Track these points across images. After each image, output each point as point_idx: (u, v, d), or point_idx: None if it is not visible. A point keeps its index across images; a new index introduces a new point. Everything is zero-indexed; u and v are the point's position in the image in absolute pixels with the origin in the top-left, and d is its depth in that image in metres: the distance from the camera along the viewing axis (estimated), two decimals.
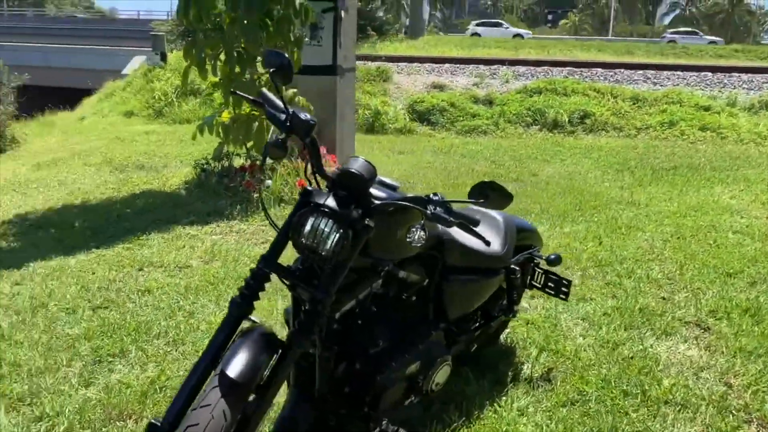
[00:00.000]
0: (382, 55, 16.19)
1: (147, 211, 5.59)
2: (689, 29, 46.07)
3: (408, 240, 1.98)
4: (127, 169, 7.57)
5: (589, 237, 5.11)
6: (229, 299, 1.92)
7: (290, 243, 1.94)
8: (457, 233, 2.45)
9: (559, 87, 12.99)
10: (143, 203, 5.85)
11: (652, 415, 2.64)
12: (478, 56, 17.61)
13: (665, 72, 14.35)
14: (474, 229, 2.03)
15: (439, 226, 2.31)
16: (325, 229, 1.85)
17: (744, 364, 3.08)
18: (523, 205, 6.22)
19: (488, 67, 15.03)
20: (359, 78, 13.77)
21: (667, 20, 67.46)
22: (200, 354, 1.84)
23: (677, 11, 66.55)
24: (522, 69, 14.78)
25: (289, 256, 1.97)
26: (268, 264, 1.92)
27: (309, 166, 1.97)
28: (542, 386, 2.83)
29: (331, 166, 6.49)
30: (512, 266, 2.80)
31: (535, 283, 3.13)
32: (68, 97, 16.15)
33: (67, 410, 2.51)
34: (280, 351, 1.89)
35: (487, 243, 2.14)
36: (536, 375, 2.94)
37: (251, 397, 1.85)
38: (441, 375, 2.42)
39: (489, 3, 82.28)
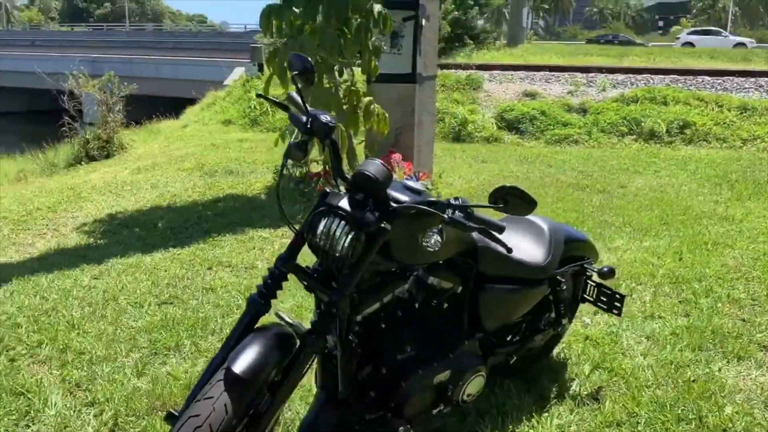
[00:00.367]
0: (473, 63, 16.05)
1: (226, 213, 5.82)
2: None
3: (424, 244, 1.95)
4: (217, 174, 7.91)
5: (670, 252, 4.83)
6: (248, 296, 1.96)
7: None
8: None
9: (658, 95, 12.40)
10: (224, 206, 6.09)
11: None
12: (574, 64, 17.11)
13: None
14: (497, 236, 1.97)
15: (474, 234, 2.27)
16: (338, 231, 1.86)
17: None
18: (605, 217, 5.99)
19: (585, 75, 14.58)
20: (448, 86, 13.76)
21: None
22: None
23: None
24: (621, 77, 14.23)
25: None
26: (285, 264, 1.95)
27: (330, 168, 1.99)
28: (589, 405, 2.70)
29: (407, 173, 6.52)
30: (558, 277, 2.69)
31: (587, 297, 2.99)
32: (175, 106, 17.11)
33: (116, 398, 2.65)
34: (295, 351, 1.91)
35: (509, 250, 2.06)
36: (584, 393, 2.80)
37: (265, 395, 1.89)
38: (473, 386, 2.36)
39: (595, 10, 79.90)
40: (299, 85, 1.97)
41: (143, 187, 7.10)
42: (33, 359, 3.01)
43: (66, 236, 5.16)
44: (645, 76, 14.22)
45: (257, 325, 1.94)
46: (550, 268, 2.60)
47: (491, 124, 12.08)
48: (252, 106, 13.77)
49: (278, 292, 1.97)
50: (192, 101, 16.86)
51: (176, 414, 1.81)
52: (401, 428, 2.11)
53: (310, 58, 1.95)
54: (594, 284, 2.96)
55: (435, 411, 2.32)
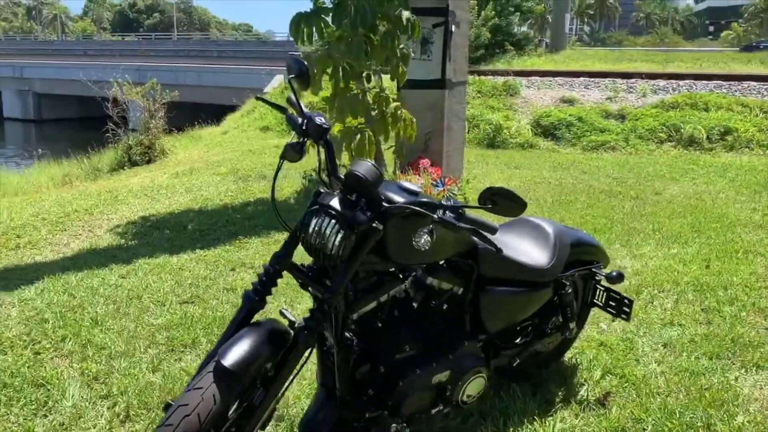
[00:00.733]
0: (510, 69, 15.96)
1: (254, 217, 5.93)
2: None
3: (414, 243, 1.98)
4: (250, 178, 8.06)
5: (697, 260, 4.73)
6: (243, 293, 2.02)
7: None
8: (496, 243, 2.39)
9: (699, 101, 12.13)
10: (253, 210, 6.21)
11: None
12: (615, 70, 16.83)
13: None
14: (488, 236, 1.99)
15: (475, 237, 2.29)
16: (328, 230, 1.90)
17: None
18: (635, 223, 5.90)
19: (625, 80, 14.36)
20: (484, 93, 13.73)
21: None
22: None
23: None
24: (662, 83, 13.96)
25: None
26: (279, 261, 2.01)
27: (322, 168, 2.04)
28: (595, 410, 2.68)
29: (434, 179, 6.53)
30: (563, 281, 2.68)
31: (597, 302, 2.97)
32: (217, 114, 17.49)
33: (130, 391, 2.75)
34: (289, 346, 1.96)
35: (499, 250, 2.08)
36: (592, 398, 2.78)
37: (259, 389, 1.95)
38: (473, 387, 2.37)
39: (641, 15, 78.45)
40: (295, 88, 2.03)
41: (178, 191, 7.29)
42: (56, 353, 3.14)
43: (99, 237, 5.34)
44: (688, 81, 13.92)
45: (252, 320, 2.00)
46: (553, 271, 2.59)
47: (527, 130, 12.00)
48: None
49: (273, 290, 2.03)
50: (233, 108, 17.22)
51: (172, 404, 1.88)
52: (394, 425, 2.14)
53: (306, 62, 2.01)
54: (603, 288, 2.94)
55: (434, 411, 2.33)
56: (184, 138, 14.16)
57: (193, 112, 17.61)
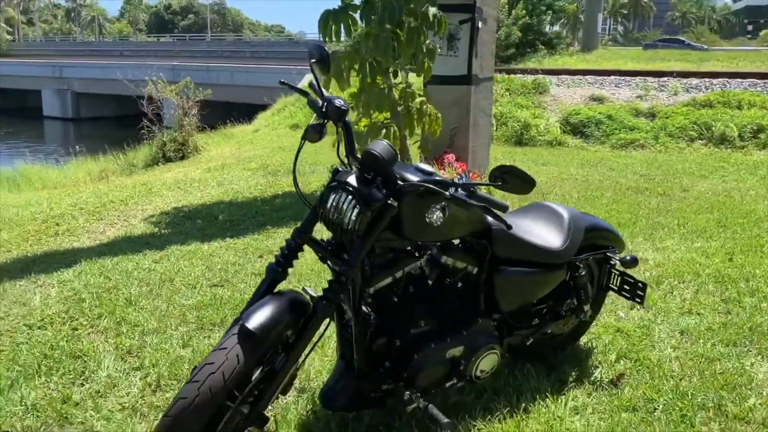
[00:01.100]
0: (540, 68, 15.91)
1: (283, 209, 6.09)
2: None
3: (427, 219, 2.08)
4: (279, 173, 8.23)
5: (720, 253, 4.74)
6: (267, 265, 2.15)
7: None
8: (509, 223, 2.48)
9: (732, 99, 11.99)
10: (281, 202, 6.37)
11: (719, 429, 2.45)
12: (646, 69, 16.68)
13: None
14: (498, 213, 2.08)
15: (488, 217, 2.38)
16: (345, 205, 2.02)
17: None
18: (660, 218, 5.89)
19: (657, 79, 14.23)
20: (513, 91, 13.73)
21: None
22: None
23: None
24: (695, 81, 13.80)
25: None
26: (300, 236, 2.14)
27: (341, 148, 2.15)
28: (608, 390, 2.74)
29: (458, 173, 6.61)
30: (577, 264, 2.75)
31: (612, 286, 3.03)
32: (249, 112, 17.79)
33: (161, 364, 2.90)
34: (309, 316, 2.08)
35: (509, 227, 2.16)
36: (605, 379, 2.84)
37: (281, 354, 2.07)
38: (486, 362, 2.46)
39: (677, 15, 77.13)
40: (316, 73, 2.15)
41: (210, 184, 7.49)
42: (92, 329, 3.31)
43: (134, 226, 5.54)
44: (721, 80, 13.73)
45: (275, 291, 2.12)
46: (567, 253, 2.66)
47: (555, 127, 11.99)
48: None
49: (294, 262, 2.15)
50: (264, 107, 17.49)
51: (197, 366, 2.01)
52: (407, 393, 2.24)
53: (327, 48, 2.13)
54: (618, 273, 3.00)
55: (448, 384, 2.43)
56: (216, 136, 14.45)
57: (225, 111, 17.94)
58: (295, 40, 59.90)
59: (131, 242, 4.95)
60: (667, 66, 18.83)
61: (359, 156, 2.10)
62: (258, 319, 1.92)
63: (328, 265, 2.20)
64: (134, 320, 3.39)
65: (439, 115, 6.41)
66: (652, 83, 13.85)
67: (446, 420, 2.19)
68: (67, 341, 3.13)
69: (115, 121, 28.58)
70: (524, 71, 15.78)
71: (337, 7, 6.28)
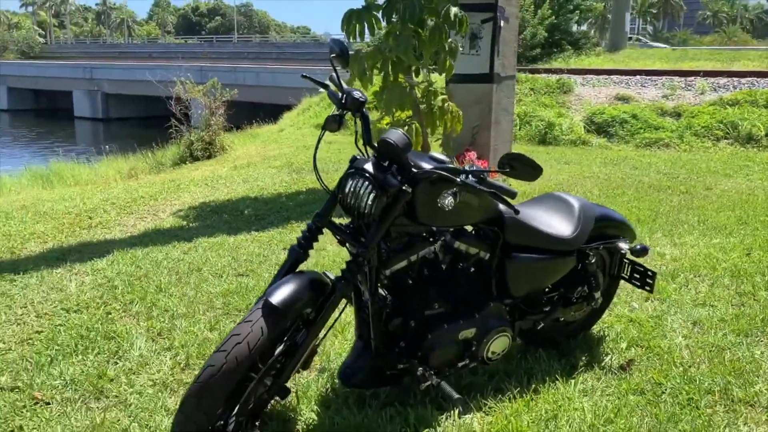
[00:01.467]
0: (565, 68, 15.89)
1: (306, 204, 6.24)
2: None
3: (439, 204, 2.20)
4: (303, 171, 8.41)
5: (738, 249, 4.77)
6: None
7: None
8: (521, 213, 2.60)
9: (760, 98, 11.85)
10: (305, 198, 6.53)
11: (724, 412, 2.53)
12: (673, 68, 16.55)
13: None
14: (507, 199, 2.19)
15: (501, 205, 2.50)
16: (362, 190, 2.15)
17: None
18: (681, 216, 5.92)
19: (683, 78, 14.11)
20: (537, 90, 13.75)
21: None
22: None
23: None
24: (723, 80, 13.67)
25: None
26: (320, 219, 2.28)
27: (359, 137, 2.29)
28: (617, 375, 2.83)
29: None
30: (587, 252, 2.84)
31: (623, 275, 3.12)
32: (274, 113, 18.05)
33: (189, 345, 3.06)
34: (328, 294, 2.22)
35: (516, 211, 2.27)
36: (615, 365, 2.93)
37: (302, 330, 2.21)
38: (497, 344, 2.58)
39: (708, 14, 76.00)
40: (335, 66, 2.29)
41: (236, 181, 7.69)
42: (125, 313, 3.48)
43: (163, 220, 5.74)
44: (750, 79, 13.58)
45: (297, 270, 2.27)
46: (576, 241, 2.76)
47: (579, 127, 11.98)
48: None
49: (315, 245, 2.29)
50: (290, 107, 17.73)
51: None
52: (420, 369, 2.36)
53: (348, 43, 2.26)
54: (628, 262, 3.09)
55: (460, 365, 2.55)
56: (242, 135, 14.70)
57: (251, 112, 18.22)
58: (320, 41, 60.35)
59: (161, 234, 5.14)
60: (696, 65, 18.64)
61: (376, 145, 2.23)
62: (281, 295, 2.06)
63: (347, 247, 2.34)
64: (164, 305, 3.57)
65: (461, 112, 6.51)
66: (678, 82, 13.75)
67: (457, 396, 2.30)
68: (101, 324, 3.31)
69: (144, 122, 29.11)
70: (550, 71, 15.77)
71: (360, 7, 6.43)
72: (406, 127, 6.39)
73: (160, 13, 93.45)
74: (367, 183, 2.15)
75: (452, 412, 2.40)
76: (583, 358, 2.97)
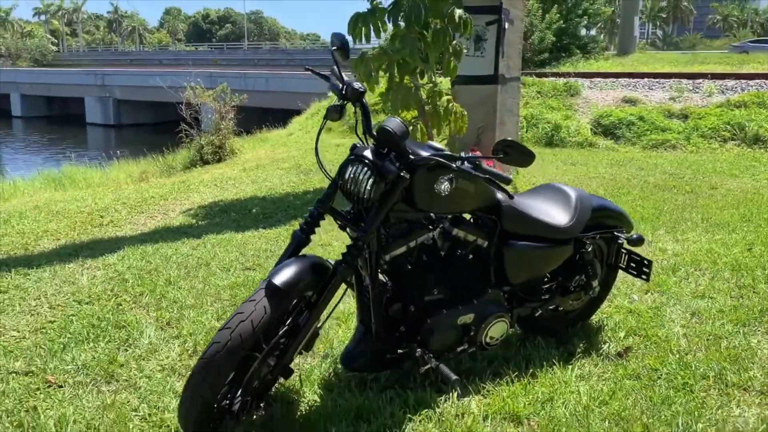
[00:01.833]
0: (571, 71, 15.95)
1: (313, 203, 6.29)
2: None
3: (435, 189, 2.28)
4: (311, 172, 8.51)
5: (740, 244, 4.81)
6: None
7: None
8: (518, 201, 2.67)
9: (767, 100, 11.85)
10: (312, 197, 6.62)
11: (718, 395, 2.59)
12: (681, 71, 16.55)
13: None
14: (503, 186, 2.27)
15: (498, 193, 2.58)
16: (361, 175, 2.23)
17: None
18: (685, 214, 5.96)
19: (691, 81, 14.13)
20: (544, 93, 13.81)
21: None
22: None
23: None
24: (731, 83, 13.67)
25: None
26: (322, 205, 2.37)
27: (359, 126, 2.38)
28: (614, 361, 2.89)
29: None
30: (584, 240, 2.91)
31: (620, 265, 3.18)
32: (284, 118, 18.21)
33: (197, 333, 3.15)
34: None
35: (511, 196, 2.35)
36: (613, 352, 2.99)
37: (304, 312, 2.29)
38: (496, 330, 2.65)
39: (718, 18, 75.74)
40: (337, 59, 2.38)
41: (245, 182, 7.80)
42: (135, 304, 3.58)
43: (173, 218, 5.85)
44: (758, 81, 13.58)
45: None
46: (573, 230, 2.83)
47: (586, 129, 12.03)
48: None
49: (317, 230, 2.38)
50: (299, 113, 17.89)
51: None
52: (418, 350, 2.43)
53: (349, 39, 2.35)
54: (625, 251, 3.15)
55: (459, 349, 2.62)
56: (252, 140, 14.86)
57: (261, 117, 18.38)
58: (329, 48, 60.57)
59: (170, 232, 5.25)
60: (705, 69, 18.63)
61: (375, 133, 2.32)
62: (283, 276, 2.14)
63: (347, 233, 2.42)
64: (173, 297, 3.66)
65: (465, 112, 6.58)
66: (686, 85, 13.78)
67: (456, 377, 2.37)
68: (112, 314, 3.41)
69: (155, 128, 29.37)
70: (557, 74, 15.82)
71: (366, 10, 6.53)
72: (412, 128, 6.48)
73: (171, 21, 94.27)
74: (366, 169, 2.23)
75: (451, 394, 2.47)
76: (581, 345, 3.03)
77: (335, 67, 2.42)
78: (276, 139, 15.15)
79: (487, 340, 2.64)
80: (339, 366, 2.74)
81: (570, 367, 2.81)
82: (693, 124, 11.56)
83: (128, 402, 2.53)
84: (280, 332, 2.22)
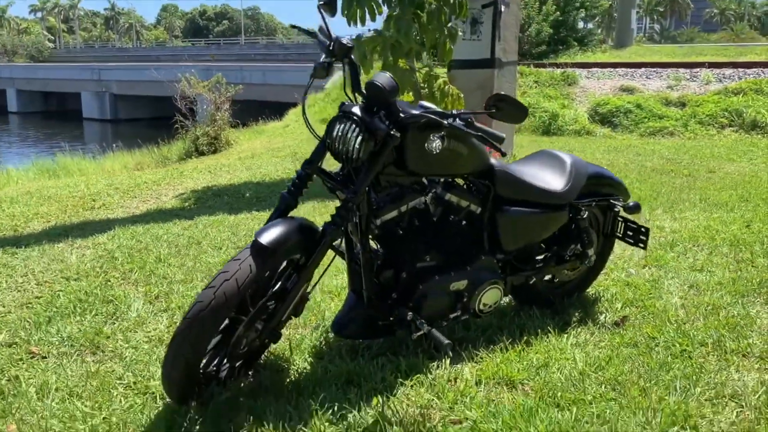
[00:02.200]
0: (568, 62, 15.88)
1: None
2: None
3: (426, 148, 2.22)
4: None
5: (738, 221, 4.76)
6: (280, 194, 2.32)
7: None
8: (512, 167, 2.61)
9: (766, 87, 11.81)
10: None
11: (716, 361, 2.53)
12: (678, 61, 16.49)
13: None
14: (496, 144, 2.20)
15: (493, 159, 2.51)
16: (349, 133, 2.17)
17: None
18: (683, 195, 5.90)
19: (689, 70, 14.07)
20: (542, 83, 13.74)
21: None
22: None
23: None
24: (728, 71, 13.61)
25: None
26: (309, 166, 2.30)
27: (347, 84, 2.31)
28: (611, 330, 2.84)
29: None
30: (579, 207, 2.85)
31: (617, 233, 3.12)
32: (280, 111, 18.13)
33: (186, 306, 3.08)
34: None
35: (504, 154, 2.29)
36: (609, 322, 2.93)
37: (292, 275, 2.23)
38: (489, 296, 2.59)
39: (715, 12, 75.60)
40: (323, 14, 2.31)
41: (239, 169, 7.74)
42: (124, 281, 3.52)
43: (165, 202, 5.79)
44: (756, 69, 13.51)
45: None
46: (567, 196, 2.77)
47: (583, 117, 11.98)
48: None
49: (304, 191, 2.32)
50: (295, 104, 17.80)
51: None
52: (410, 314, 2.37)
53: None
54: (622, 220, 3.09)
55: (452, 316, 2.56)
56: (248, 132, 14.78)
57: (258, 110, 18.30)
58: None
59: (162, 214, 5.19)
60: (702, 60, 18.55)
61: (364, 91, 2.25)
62: (269, 235, 2.08)
63: (336, 195, 2.36)
64: (163, 273, 3.60)
65: (461, 95, 6.52)
66: (683, 74, 13.72)
67: (447, 341, 2.31)
68: (100, 290, 3.35)
69: (152, 122, 29.21)
70: (554, 65, 15.75)
71: None
72: None
73: (168, 17, 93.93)
74: (354, 126, 2.17)
75: (444, 360, 2.42)
76: (577, 315, 2.97)
77: (322, 22, 2.35)
78: (272, 131, 15.08)
79: (481, 306, 2.58)
80: (330, 335, 2.68)
81: (565, 335, 2.75)
82: (691, 112, 11.51)
83: (113, 371, 2.47)
84: (268, 294, 2.16)
